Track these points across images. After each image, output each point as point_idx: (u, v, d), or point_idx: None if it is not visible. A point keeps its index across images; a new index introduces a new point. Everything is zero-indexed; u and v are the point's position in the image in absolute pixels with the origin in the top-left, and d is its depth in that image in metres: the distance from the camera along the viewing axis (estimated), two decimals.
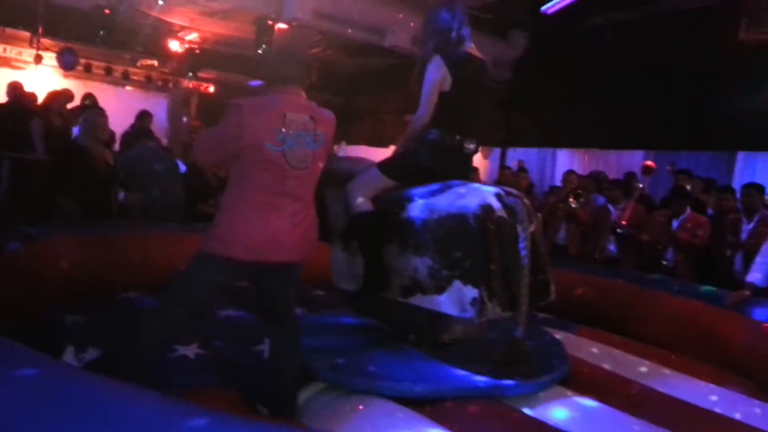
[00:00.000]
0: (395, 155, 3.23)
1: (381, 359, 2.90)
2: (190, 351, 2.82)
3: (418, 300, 2.84)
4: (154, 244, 3.98)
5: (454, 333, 3.14)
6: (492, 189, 2.88)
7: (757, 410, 2.72)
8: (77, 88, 7.94)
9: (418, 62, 3.10)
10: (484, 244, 2.71)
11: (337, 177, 3.26)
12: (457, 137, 3.00)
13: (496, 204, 2.77)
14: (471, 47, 3.06)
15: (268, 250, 2.32)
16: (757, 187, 5.02)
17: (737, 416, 2.65)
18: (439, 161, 3.02)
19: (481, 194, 2.82)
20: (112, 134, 5.92)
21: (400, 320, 3.20)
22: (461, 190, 2.89)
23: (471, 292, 2.66)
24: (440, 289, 2.74)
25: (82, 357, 2.79)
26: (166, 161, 5.21)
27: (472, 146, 3.07)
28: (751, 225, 4.69)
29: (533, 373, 2.77)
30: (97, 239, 3.78)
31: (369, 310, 3.42)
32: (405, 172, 3.10)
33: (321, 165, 2.47)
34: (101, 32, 8.44)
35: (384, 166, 3.15)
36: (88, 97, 7.45)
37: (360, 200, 3.04)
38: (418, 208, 2.91)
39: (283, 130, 2.28)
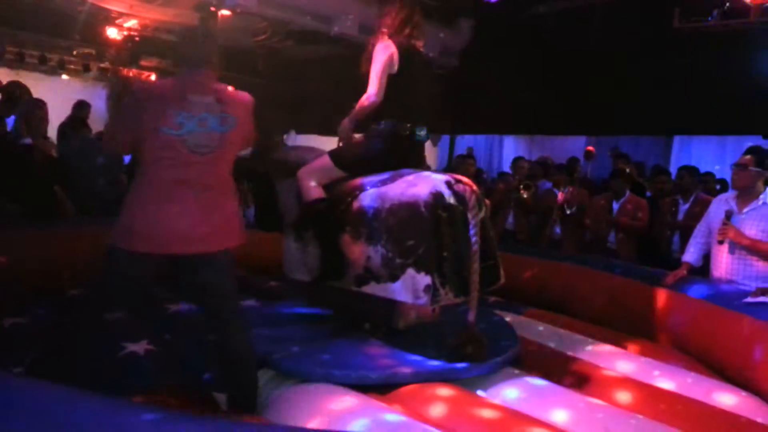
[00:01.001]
0: (347, 145, 3.22)
1: (336, 347, 2.92)
2: (140, 347, 2.77)
3: (372, 288, 2.87)
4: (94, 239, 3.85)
5: (408, 319, 3.19)
6: (442, 177, 2.92)
7: (693, 382, 2.87)
8: (9, 78, 7.57)
9: (367, 44, 3.11)
10: (435, 232, 2.74)
11: (287, 167, 3.24)
12: (408, 125, 3.03)
13: (446, 191, 2.80)
14: (418, 43, 3.11)
15: (172, 242, 2.20)
16: (690, 169, 5.26)
17: (676, 388, 2.79)
18: (391, 151, 3.04)
19: (431, 182, 2.85)
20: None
21: (355, 309, 3.23)
22: (411, 178, 2.92)
23: (424, 279, 2.70)
24: (394, 278, 2.78)
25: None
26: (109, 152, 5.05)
27: (422, 133, 3.10)
28: (687, 206, 4.92)
29: (485, 356, 2.84)
30: (41, 236, 3.64)
31: (323, 299, 3.43)
32: (357, 162, 3.10)
33: (235, 150, 2.37)
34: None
35: (336, 156, 3.14)
36: (17, 87, 7.09)
37: (312, 186, 3.03)
38: (369, 197, 2.93)
39: (183, 112, 2.17)
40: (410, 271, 2.73)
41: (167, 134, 2.16)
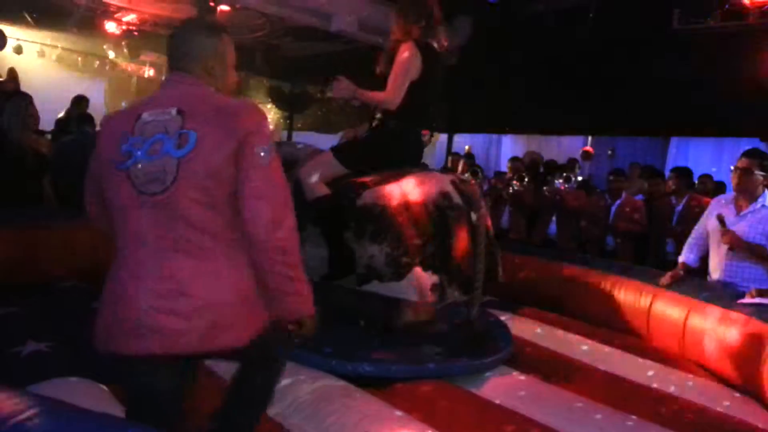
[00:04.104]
0: (351, 142, 3.20)
1: (335, 341, 2.90)
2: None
3: (375, 287, 2.83)
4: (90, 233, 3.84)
5: (406, 318, 3.18)
6: (447, 176, 2.94)
7: (690, 383, 2.88)
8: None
9: (388, 46, 3.03)
10: (443, 231, 2.74)
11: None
12: (417, 128, 3.03)
13: (453, 191, 2.81)
14: (439, 41, 3.05)
15: (116, 335, 1.51)
16: (682, 170, 5.25)
17: (672, 390, 2.80)
18: (398, 151, 3.03)
19: (439, 182, 2.87)
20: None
21: (350, 306, 3.21)
22: (419, 177, 2.92)
23: (432, 278, 2.72)
24: (399, 276, 2.75)
25: (19, 350, 2.68)
26: None
27: (425, 136, 3.11)
28: (680, 207, 4.92)
29: (484, 353, 2.84)
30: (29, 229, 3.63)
31: (323, 297, 3.43)
32: (361, 159, 3.06)
33: (217, 188, 1.51)
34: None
35: (340, 152, 3.09)
36: (9, 72, 7.05)
37: (316, 184, 2.95)
38: (374, 194, 2.88)
39: (132, 137, 1.53)
40: (417, 270, 2.72)
41: (115, 170, 1.54)
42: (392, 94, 2.87)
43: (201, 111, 1.55)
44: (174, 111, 1.54)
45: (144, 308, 1.47)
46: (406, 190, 2.83)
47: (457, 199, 2.80)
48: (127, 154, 1.52)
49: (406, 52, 2.88)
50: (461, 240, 2.77)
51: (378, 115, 3.02)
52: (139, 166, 1.51)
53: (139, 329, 1.47)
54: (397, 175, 2.92)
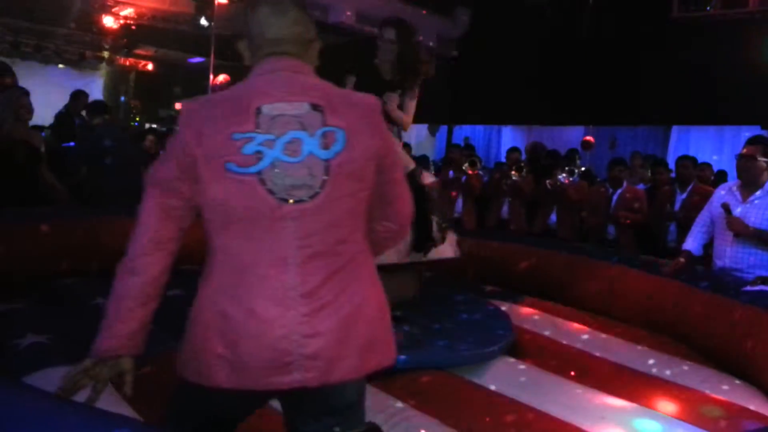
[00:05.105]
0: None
1: None
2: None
3: (433, 253, 3.22)
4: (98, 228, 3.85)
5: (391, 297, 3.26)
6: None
7: (686, 368, 2.88)
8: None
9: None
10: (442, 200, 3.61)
11: None
12: None
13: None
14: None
15: (246, 369, 1.29)
16: (691, 159, 5.25)
17: (672, 377, 2.80)
18: None
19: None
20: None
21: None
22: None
23: (455, 236, 3.39)
24: (443, 240, 3.26)
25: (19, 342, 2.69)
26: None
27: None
28: (684, 195, 4.91)
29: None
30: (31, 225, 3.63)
31: None
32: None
33: (361, 188, 1.37)
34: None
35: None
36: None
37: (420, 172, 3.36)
38: (426, 178, 3.36)
39: (254, 134, 1.30)
40: (450, 233, 3.35)
41: (236, 173, 1.29)
42: (410, 122, 3.37)
43: (337, 105, 1.37)
44: (307, 106, 1.33)
45: (291, 336, 1.28)
46: (427, 174, 3.49)
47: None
48: (256, 154, 1.28)
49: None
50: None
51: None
52: (277, 170, 1.29)
53: (285, 360, 1.28)
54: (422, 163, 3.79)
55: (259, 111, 1.31)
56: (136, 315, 1.31)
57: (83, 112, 5.77)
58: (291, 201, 1.29)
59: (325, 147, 1.31)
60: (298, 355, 1.28)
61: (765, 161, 3.32)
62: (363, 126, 1.37)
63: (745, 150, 3.42)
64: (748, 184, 3.39)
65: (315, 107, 1.33)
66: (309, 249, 1.31)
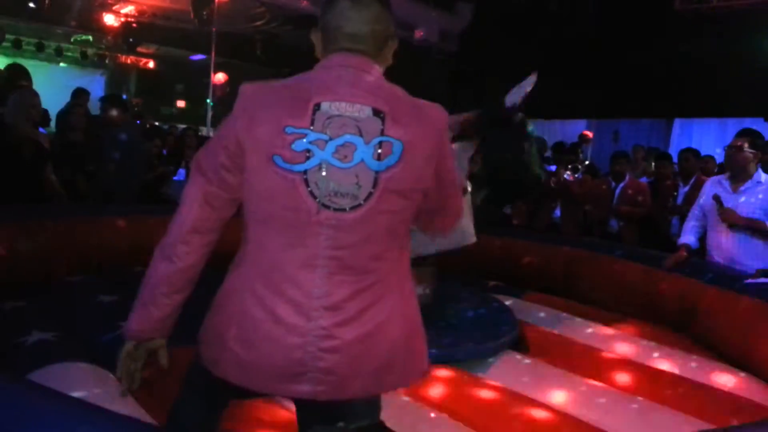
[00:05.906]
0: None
1: None
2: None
3: (459, 242, 3.12)
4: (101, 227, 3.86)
5: None
6: None
7: (691, 362, 2.88)
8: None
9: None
10: None
11: None
12: None
13: None
14: None
15: (260, 374, 1.28)
16: (693, 152, 5.25)
17: (676, 370, 2.80)
18: None
19: None
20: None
21: None
22: None
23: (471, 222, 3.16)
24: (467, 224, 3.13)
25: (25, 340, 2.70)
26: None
27: None
28: (687, 188, 4.91)
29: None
30: (37, 223, 3.64)
31: None
32: None
33: (406, 207, 1.30)
34: (30, 4, 8.01)
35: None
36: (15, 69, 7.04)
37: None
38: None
39: (307, 130, 1.23)
40: (465, 219, 3.11)
41: (281, 168, 1.23)
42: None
43: (402, 114, 1.27)
44: (369, 110, 1.24)
45: (308, 347, 1.24)
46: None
47: None
48: (305, 152, 1.22)
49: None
50: None
51: None
52: (324, 172, 1.22)
53: (298, 370, 1.25)
54: None
55: (317, 107, 1.24)
56: (171, 301, 1.32)
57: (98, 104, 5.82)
58: (331, 208, 1.23)
59: (379, 158, 1.24)
60: (312, 367, 1.24)
61: (752, 152, 3.39)
62: (424, 141, 1.28)
63: (732, 142, 3.50)
64: (736, 175, 3.45)
65: (377, 112, 1.25)
66: (340, 261, 1.25)
